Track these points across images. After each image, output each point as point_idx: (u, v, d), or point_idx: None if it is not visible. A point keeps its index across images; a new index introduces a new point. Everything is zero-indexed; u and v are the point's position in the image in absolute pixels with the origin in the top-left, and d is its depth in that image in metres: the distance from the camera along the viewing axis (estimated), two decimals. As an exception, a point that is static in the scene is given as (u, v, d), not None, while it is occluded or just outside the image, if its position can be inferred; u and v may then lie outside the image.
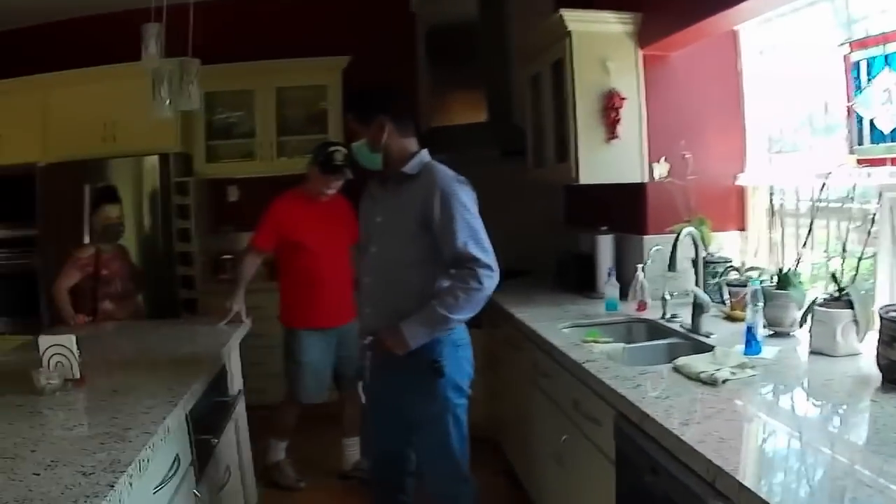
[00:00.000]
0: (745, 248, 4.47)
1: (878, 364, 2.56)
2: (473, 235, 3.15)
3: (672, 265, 3.54)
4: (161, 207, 6.37)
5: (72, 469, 2.05)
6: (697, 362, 2.82)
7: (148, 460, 2.23)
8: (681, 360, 2.87)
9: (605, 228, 4.73)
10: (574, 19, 4.36)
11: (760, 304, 3.11)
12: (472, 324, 3.27)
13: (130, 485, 2.03)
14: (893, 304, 2.68)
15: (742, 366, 2.77)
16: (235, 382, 4.14)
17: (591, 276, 4.66)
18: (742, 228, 4.51)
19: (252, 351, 4.81)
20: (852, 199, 3.35)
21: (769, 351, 3.05)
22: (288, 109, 6.93)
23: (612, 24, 4.40)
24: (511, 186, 5.90)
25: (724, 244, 4.43)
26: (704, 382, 2.64)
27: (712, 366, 2.77)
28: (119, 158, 6.36)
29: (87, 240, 5.45)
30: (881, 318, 2.56)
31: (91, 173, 6.27)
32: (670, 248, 3.58)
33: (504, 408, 4.96)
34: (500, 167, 5.81)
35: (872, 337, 2.72)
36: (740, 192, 4.50)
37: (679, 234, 3.59)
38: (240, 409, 4.24)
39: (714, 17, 3.65)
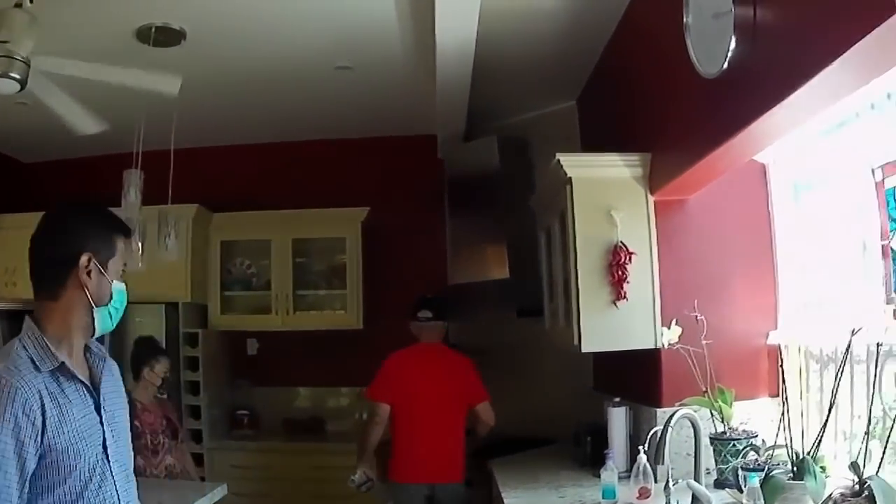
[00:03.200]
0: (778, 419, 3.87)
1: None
2: None
3: (659, 456, 3.00)
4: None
5: None
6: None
7: None
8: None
9: (617, 399, 4.15)
10: (573, 164, 3.90)
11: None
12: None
13: None
14: None
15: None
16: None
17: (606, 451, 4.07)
18: (775, 394, 3.91)
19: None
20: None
21: None
22: (306, 261, 6.68)
23: (618, 168, 3.91)
24: (537, 348, 5.57)
25: (756, 414, 3.84)
26: None
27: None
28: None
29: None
30: None
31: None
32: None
33: None
34: (528, 328, 5.44)
35: None
36: (773, 353, 3.91)
37: (669, 420, 3.05)
38: None
39: (728, 146, 3.00)
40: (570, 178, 3.90)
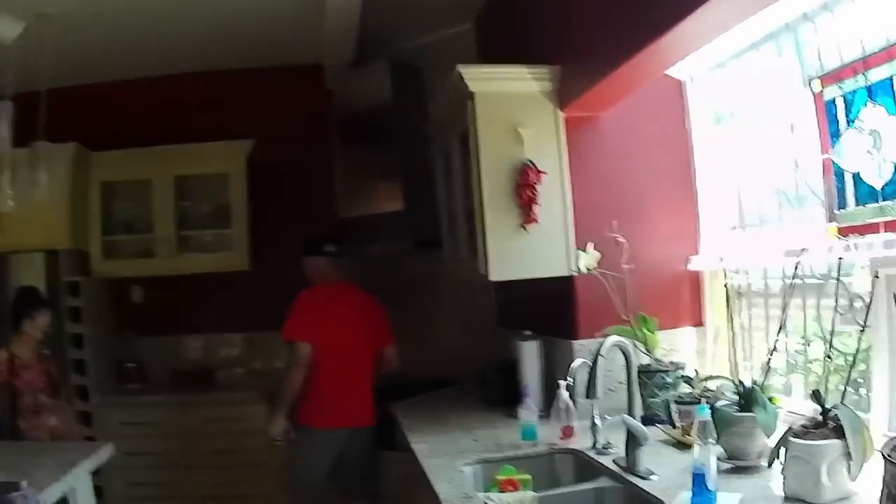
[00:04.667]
0: (704, 349, 3.63)
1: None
2: None
3: (591, 390, 2.70)
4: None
5: None
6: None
7: None
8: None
9: (528, 333, 3.84)
10: (476, 77, 3.54)
11: (712, 441, 2.18)
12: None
13: None
14: None
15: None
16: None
17: (518, 389, 3.74)
18: (699, 324, 3.66)
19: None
20: (837, 279, 2.52)
21: (727, 502, 2.17)
22: (190, 202, 6.18)
23: (525, 82, 3.57)
24: (437, 283, 5.34)
25: (679, 344, 3.58)
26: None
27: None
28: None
29: None
30: (886, 459, 1.74)
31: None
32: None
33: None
34: (427, 261, 5.17)
35: (870, 473, 2.02)
36: (695, 280, 3.67)
37: (599, 349, 2.74)
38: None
39: (641, 57, 2.79)
40: (473, 92, 3.55)
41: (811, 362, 2.90)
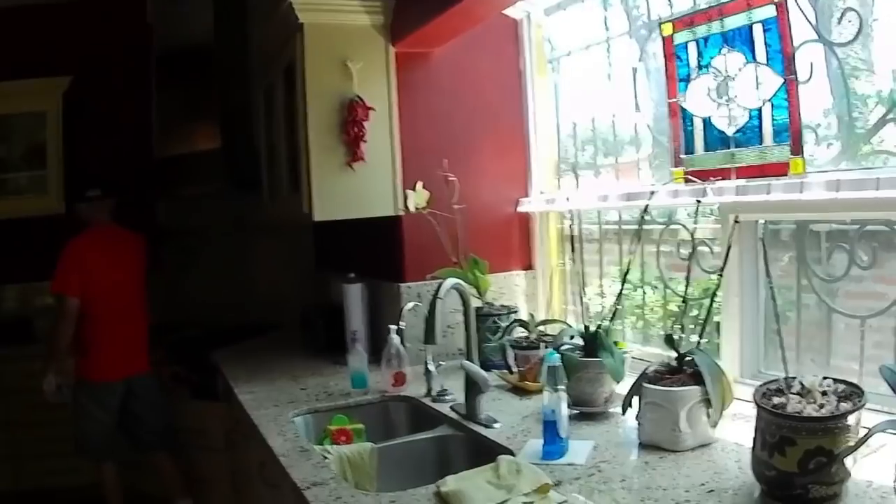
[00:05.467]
0: (535, 293, 3.59)
1: (756, 472, 1.69)
2: None
3: (430, 335, 2.59)
4: None
5: None
6: (473, 490, 1.81)
7: None
8: (449, 484, 1.86)
9: (353, 275, 3.68)
10: (306, 8, 3.29)
11: (562, 386, 2.11)
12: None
13: None
14: (772, 381, 1.78)
15: (541, 490, 1.79)
16: None
17: (343, 335, 3.61)
18: (529, 267, 3.62)
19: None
20: (693, 226, 2.48)
21: (579, 450, 2.11)
22: (3, 144, 5.80)
23: (356, 14, 3.36)
24: (255, 224, 5.20)
25: (509, 288, 3.53)
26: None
27: (498, 493, 1.79)
28: None
29: None
30: (759, 406, 1.68)
31: None
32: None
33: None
34: (243, 202, 5.02)
35: (730, 419, 2.11)
36: (525, 223, 3.62)
37: (437, 291, 2.63)
38: None
39: None
40: (302, 24, 3.32)
41: (647, 307, 2.90)
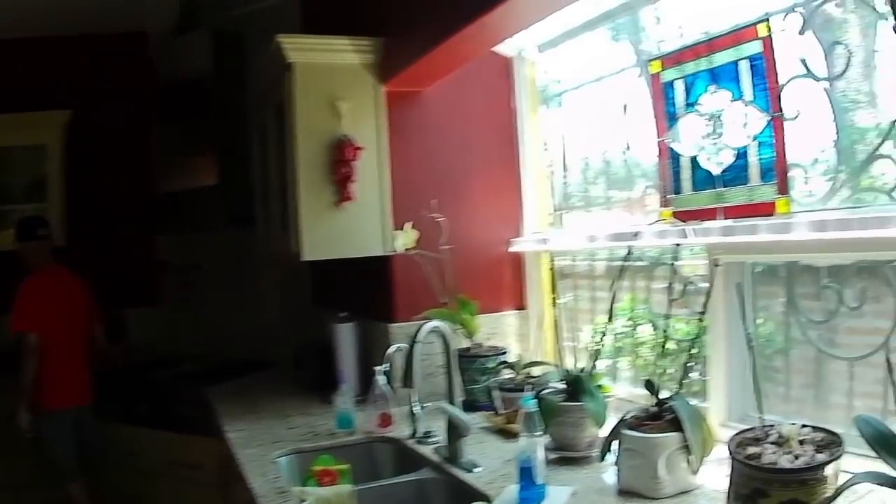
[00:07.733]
0: (527, 333, 3.55)
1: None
2: None
3: (408, 379, 2.54)
4: None
5: None
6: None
7: None
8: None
9: (344, 314, 3.67)
10: (296, 48, 3.29)
11: (539, 432, 2.07)
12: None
13: None
14: (749, 429, 1.76)
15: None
16: None
17: (334, 373, 3.59)
18: (521, 307, 3.58)
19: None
20: (672, 264, 2.46)
21: (557, 496, 2.07)
22: (5, 176, 5.83)
23: (346, 54, 3.36)
24: (252, 261, 5.19)
25: (501, 329, 3.49)
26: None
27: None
28: None
29: None
30: (733, 457, 1.66)
31: None
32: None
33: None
34: (242, 238, 5.00)
35: (714, 464, 2.03)
36: (517, 262, 3.58)
37: (416, 334, 2.59)
38: None
39: (466, 32, 2.65)
40: (292, 63, 3.32)
41: (638, 346, 2.86)
